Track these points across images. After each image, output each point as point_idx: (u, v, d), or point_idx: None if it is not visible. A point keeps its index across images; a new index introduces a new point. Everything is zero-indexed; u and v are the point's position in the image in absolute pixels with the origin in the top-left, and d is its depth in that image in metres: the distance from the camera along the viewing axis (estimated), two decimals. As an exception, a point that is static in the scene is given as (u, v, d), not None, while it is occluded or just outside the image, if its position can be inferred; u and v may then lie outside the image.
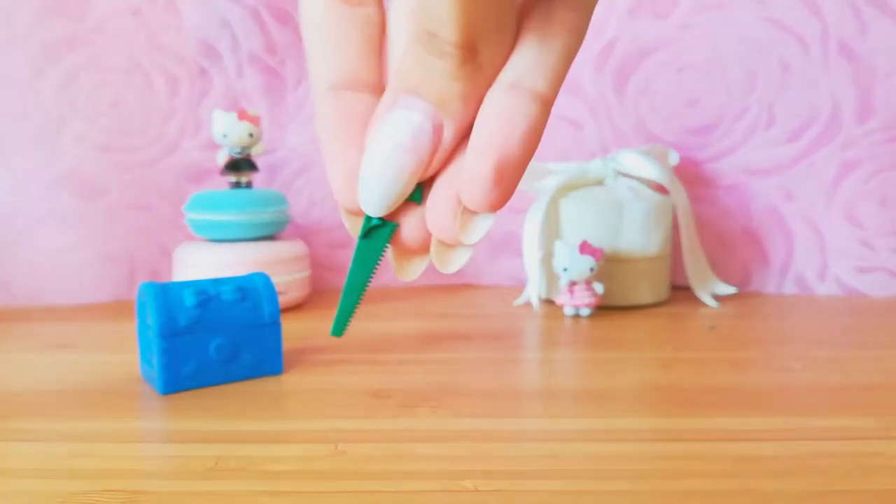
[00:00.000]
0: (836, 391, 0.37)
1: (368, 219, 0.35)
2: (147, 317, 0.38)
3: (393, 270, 0.25)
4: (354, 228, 0.25)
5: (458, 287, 0.71)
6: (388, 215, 0.24)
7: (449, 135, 0.21)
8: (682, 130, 0.69)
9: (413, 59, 0.20)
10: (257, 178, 0.67)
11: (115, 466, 0.28)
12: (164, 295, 0.37)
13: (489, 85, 0.20)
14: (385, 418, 0.33)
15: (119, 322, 0.56)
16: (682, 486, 0.26)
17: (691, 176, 0.68)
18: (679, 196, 0.63)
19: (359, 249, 0.35)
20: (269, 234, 0.61)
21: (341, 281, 0.72)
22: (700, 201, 0.69)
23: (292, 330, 0.50)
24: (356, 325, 0.54)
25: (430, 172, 0.21)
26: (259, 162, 0.66)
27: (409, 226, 0.24)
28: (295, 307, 0.62)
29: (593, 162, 0.63)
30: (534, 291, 0.60)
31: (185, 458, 0.29)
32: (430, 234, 0.24)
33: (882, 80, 0.63)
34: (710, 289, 0.63)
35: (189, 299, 0.38)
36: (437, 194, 0.23)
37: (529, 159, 0.22)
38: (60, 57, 0.63)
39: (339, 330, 0.34)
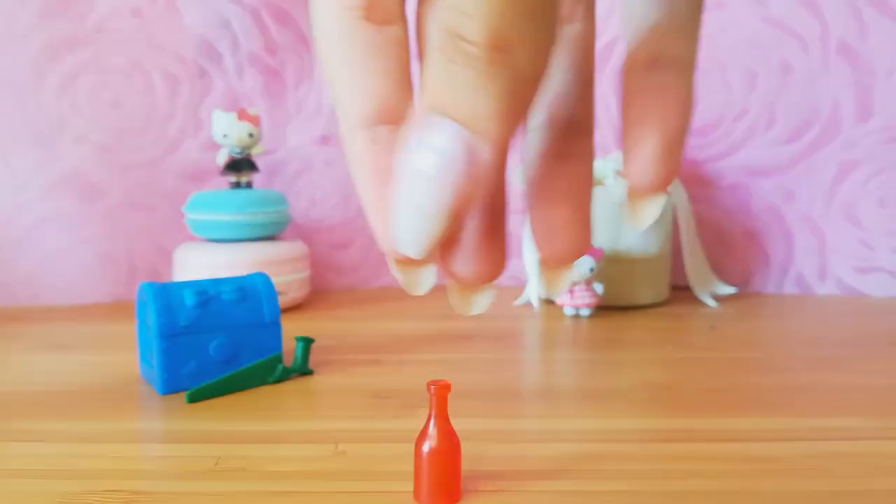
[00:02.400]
0: (836, 391, 0.37)
1: (285, 369, 0.38)
2: (147, 317, 0.38)
3: (456, 307, 0.21)
4: (407, 280, 0.21)
5: (458, 287, 0.71)
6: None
7: (487, 157, 0.17)
8: (682, 130, 0.68)
9: (436, 70, 0.17)
10: (257, 178, 0.67)
11: (115, 466, 0.28)
12: (164, 295, 0.37)
13: (534, 88, 0.17)
14: (385, 419, 0.33)
15: (119, 322, 0.56)
16: (682, 486, 0.26)
17: (691, 176, 0.68)
18: (679, 196, 0.63)
19: (256, 369, 0.37)
20: (269, 234, 0.61)
21: (341, 281, 0.72)
22: (700, 201, 0.69)
23: (292, 330, 0.50)
24: (356, 325, 0.54)
25: (474, 206, 0.18)
26: (259, 162, 0.66)
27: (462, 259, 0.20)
28: (295, 307, 0.62)
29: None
30: (534, 291, 0.60)
31: (185, 458, 0.29)
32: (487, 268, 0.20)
33: (882, 80, 0.63)
34: (710, 289, 0.63)
35: (189, 299, 0.38)
36: (546, 222, 0.21)
37: (689, 129, 0.20)
38: (60, 57, 0.63)
39: (194, 397, 0.35)
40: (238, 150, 0.61)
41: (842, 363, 0.43)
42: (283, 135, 0.70)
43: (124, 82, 0.65)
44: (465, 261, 0.21)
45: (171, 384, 0.37)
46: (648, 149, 0.19)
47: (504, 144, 0.17)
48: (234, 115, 0.60)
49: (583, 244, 0.21)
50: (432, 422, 0.26)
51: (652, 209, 0.21)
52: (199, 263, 0.57)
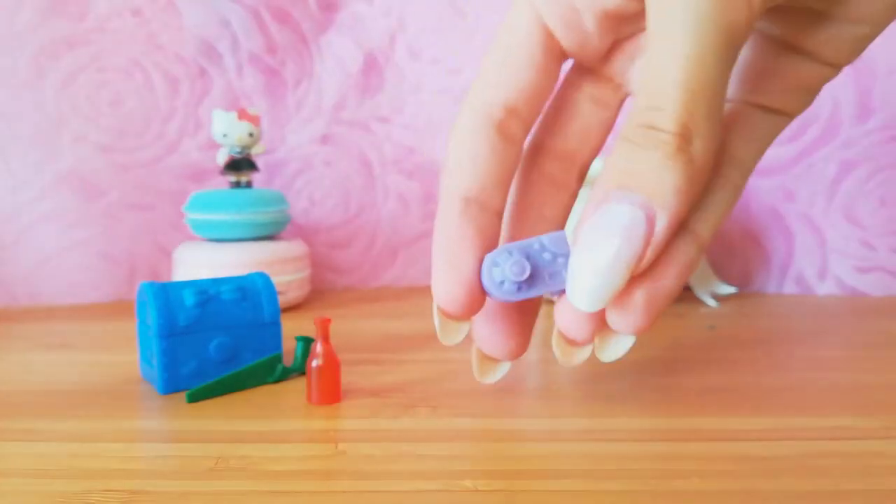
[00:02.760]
0: (836, 391, 0.37)
1: (285, 369, 0.38)
2: (147, 317, 0.38)
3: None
4: (446, 332, 0.27)
5: (458, 287, 0.71)
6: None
7: (661, 226, 0.20)
8: (682, 130, 0.68)
9: (623, 156, 0.20)
10: (257, 178, 0.67)
11: (115, 466, 0.28)
12: (164, 295, 0.37)
13: (701, 181, 0.20)
14: (385, 418, 0.33)
15: (119, 322, 0.56)
16: (681, 486, 0.26)
17: (691, 176, 0.68)
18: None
19: (256, 369, 0.37)
20: (269, 234, 0.61)
21: (341, 281, 0.72)
22: (700, 201, 0.68)
23: (292, 330, 0.50)
24: (356, 325, 0.54)
25: (643, 266, 0.21)
26: (259, 162, 0.66)
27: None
28: (295, 307, 0.62)
29: (593, 162, 0.63)
30: (534, 291, 0.60)
31: (185, 458, 0.29)
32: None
33: (882, 80, 0.63)
34: (710, 289, 0.63)
35: (189, 299, 0.38)
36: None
37: (678, 294, 0.23)
38: (60, 57, 0.63)
39: (194, 397, 0.36)
40: (238, 149, 0.61)
41: (842, 363, 0.43)
42: (283, 134, 0.70)
43: (124, 82, 0.65)
44: (495, 339, 0.27)
45: (171, 384, 0.37)
46: (636, 300, 0.22)
47: (677, 219, 0.20)
48: (234, 115, 0.60)
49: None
50: (318, 346, 0.35)
51: (620, 348, 0.25)
52: (199, 263, 0.57)
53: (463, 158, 0.24)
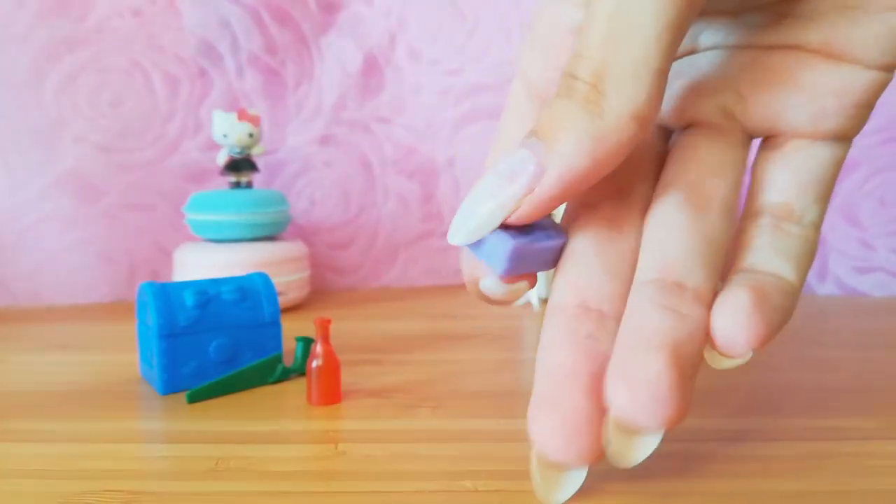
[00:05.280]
0: (836, 391, 0.37)
1: (285, 369, 0.38)
2: (147, 317, 0.38)
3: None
4: (546, 490, 0.22)
5: (458, 287, 0.71)
6: None
7: (549, 179, 0.19)
8: (681, 131, 0.68)
9: (547, 108, 0.20)
10: (257, 178, 0.67)
11: (115, 466, 0.28)
12: (164, 295, 0.37)
13: (611, 144, 0.19)
14: (385, 418, 0.33)
15: (119, 322, 0.56)
16: (681, 487, 0.26)
17: (691, 176, 0.68)
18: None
19: (257, 369, 0.38)
20: (269, 235, 0.61)
21: (341, 281, 0.72)
22: (700, 201, 0.68)
23: (292, 330, 0.50)
24: (357, 326, 0.54)
25: (517, 219, 0.20)
26: (259, 162, 0.66)
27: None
28: (295, 307, 0.62)
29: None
30: (534, 291, 0.60)
31: (185, 458, 0.29)
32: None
33: (882, 81, 0.63)
34: (710, 289, 0.63)
35: (189, 299, 0.38)
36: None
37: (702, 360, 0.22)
38: (60, 57, 0.63)
39: (194, 398, 0.36)
40: (238, 150, 0.61)
41: (842, 363, 0.43)
42: (283, 135, 0.70)
43: (124, 82, 0.65)
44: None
45: (171, 384, 0.37)
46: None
47: (570, 176, 0.19)
48: (234, 116, 0.60)
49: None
50: (318, 346, 0.35)
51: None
52: (199, 263, 0.57)
53: (552, 351, 0.24)
